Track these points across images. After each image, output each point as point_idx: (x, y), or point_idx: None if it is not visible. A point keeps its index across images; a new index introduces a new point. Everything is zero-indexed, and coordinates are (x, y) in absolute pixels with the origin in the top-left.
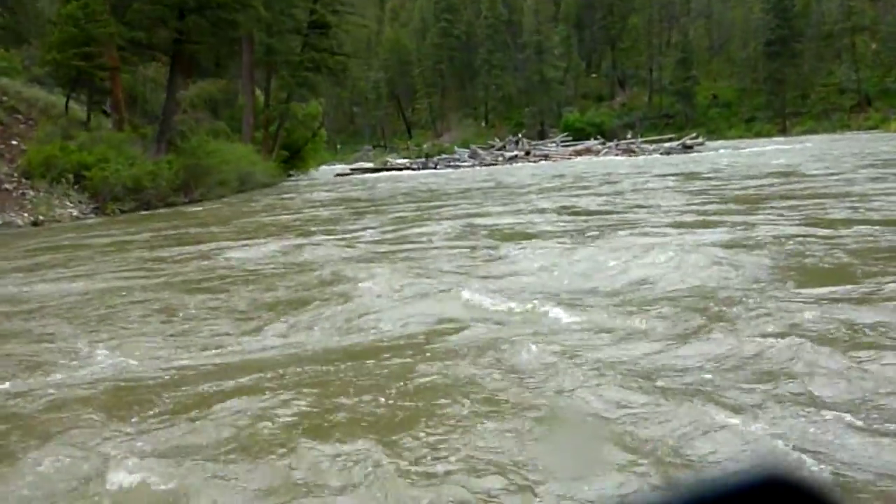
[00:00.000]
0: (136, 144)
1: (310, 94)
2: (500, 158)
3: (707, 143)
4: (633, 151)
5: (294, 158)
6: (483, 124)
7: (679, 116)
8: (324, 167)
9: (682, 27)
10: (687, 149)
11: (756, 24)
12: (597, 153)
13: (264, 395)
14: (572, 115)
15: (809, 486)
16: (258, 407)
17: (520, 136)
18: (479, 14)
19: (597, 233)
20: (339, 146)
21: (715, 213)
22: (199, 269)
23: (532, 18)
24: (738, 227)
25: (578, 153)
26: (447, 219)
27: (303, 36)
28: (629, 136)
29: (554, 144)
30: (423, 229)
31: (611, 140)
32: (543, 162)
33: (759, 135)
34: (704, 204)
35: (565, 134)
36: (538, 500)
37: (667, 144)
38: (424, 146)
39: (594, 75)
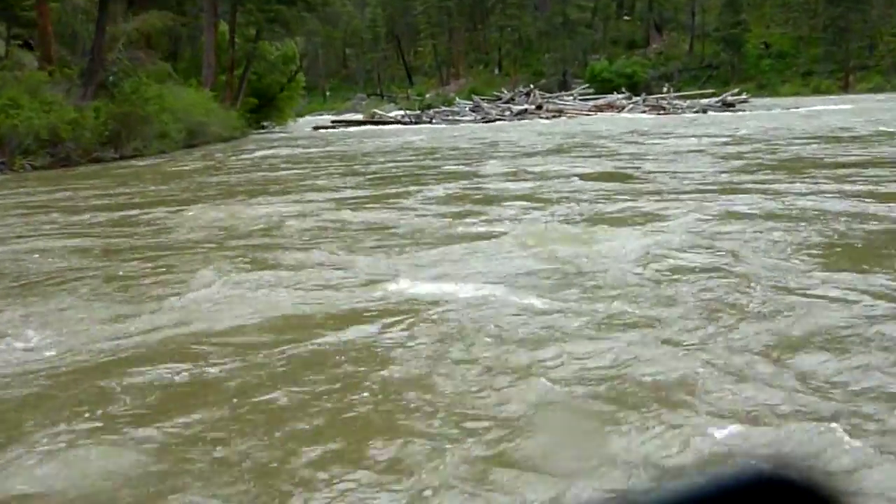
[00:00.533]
0: (59, 87)
1: (284, 31)
2: (507, 113)
3: (753, 100)
4: (664, 108)
5: (266, 108)
6: (496, 72)
7: (724, 68)
8: (308, 118)
9: None
10: (727, 107)
11: None
12: (620, 109)
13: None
14: (599, 64)
15: (815, 486)
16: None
17: (531, 87)
18: None
19: (581, 209)
20: (327, 93)
21: (741, 183)
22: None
23: None
24: (767, 198)
25: (599, 109)
26: (429, 184)
27: None
28: (665, 89)
29: (571, 98)
30: (378, 213)
31: (644, 94)
32: (557, 118)
33: (817, 91)
34: (732, 173)
35: (585, 86)
36: None
37: (704, 101)
38: (427, 96)
39: (626, 18)
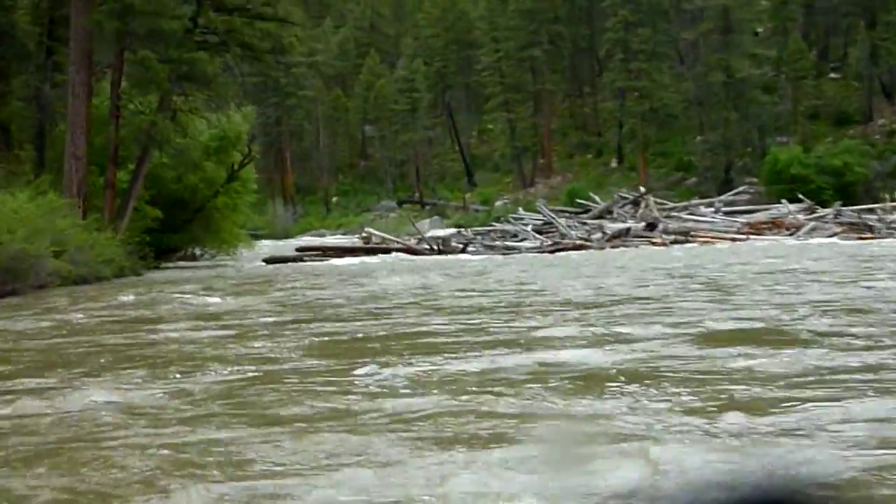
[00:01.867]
0: None
1: (211, 95)
2: (599, 235)
3: None
4: (871, 229)
5: (190, 225)
6: (614, 163)
7: None
8: (296, 241)
9: None
10: None
11: None
12: (792, 230)
13: None
14: (786, 152)
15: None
16: None
17: (642, 191)
18: None
19: None
20: (333, 199)
21: None
22: None
23: None
24: None
25: (755, 229)
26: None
27: None
28: None
29: (712, 210)
30: None
31: (838, 205)
32: (677, 246)
33: None
34: None
35: (754, 186)
36: None
37: None
38: (497, 203)
39: (834, 76)
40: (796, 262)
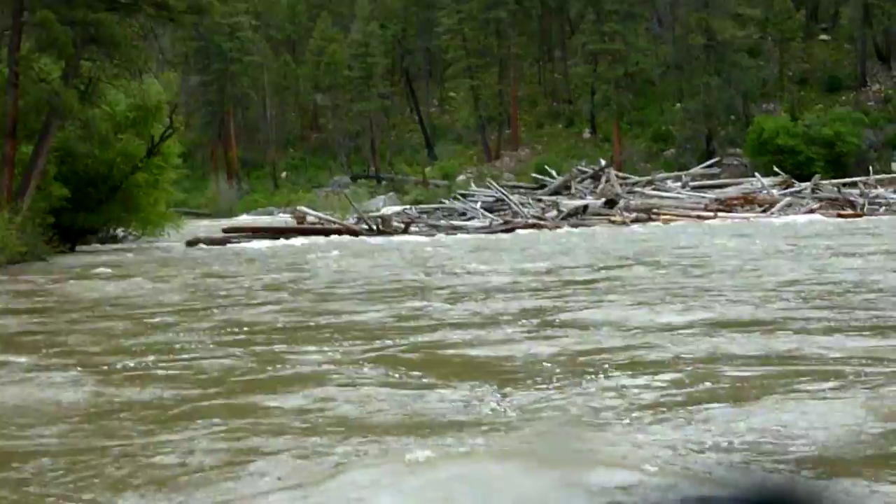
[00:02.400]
0: None
1: (121, 61)
2: (553, 213)
3: None
4: (853, 205)
5: (107, 204)
6: (587, 133)
7: None
8: (246, 217)
9: None
10: None
11: None
12: (766, 207)
13: None
14: (772, 120)
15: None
16: None
17: (603, 164)
18: None
19: None
20: (282, 175)
21: None
22: None
23: None
24: None
25: (725, 206)
26: None
27: None
28: None
29: (679, 184)
30: None
31: (816, 178)
32: (638, 225)
33: None
34: None
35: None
36: None
37: None
38: (460, 178)
39: (823, 37)
40: (763, 245)
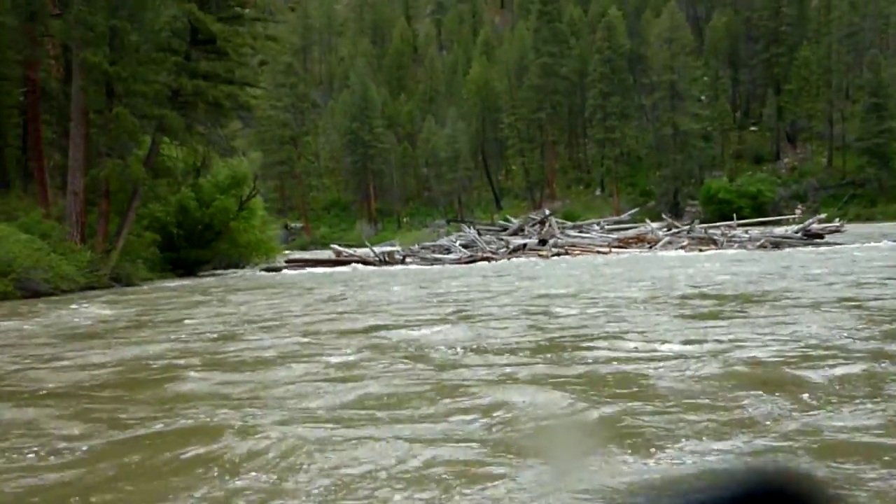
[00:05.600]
0: None
1: (184, 144)
2: (504, 249)
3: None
4: (714, 242)
5: (215, 242)
6: (598, 192)
7: (870, 185)
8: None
9: (875, 62)
10: (811, 238)
11: None
12: (651, 244)
13: None
14: (717, 182)
15: (809, 492)
16: None
17: (546, 213)
18: (594, 46)
19: None
20: (404, 220)
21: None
22: None
23: (663, 51)
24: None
25: (624, 244)
26: None
27: (177, 55)
28: (799, 210)
29: (597, 227)
30: None
31: (696, 222)
32: (562, 256)
33: None
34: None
35: (608, 219)
36: None
37: (778, 231)
38: (515, 221)
39: (753, 129)
40: (638, 271)
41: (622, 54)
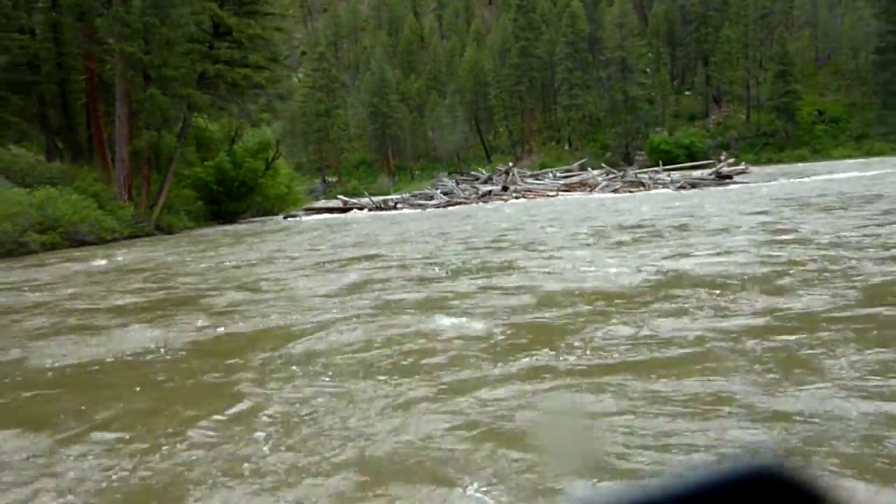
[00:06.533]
0: None
1: (208, 114)
2: (474, 196)
3: (769, 168)
4: (643, 185)
5: (249, 195)
6: (566, 147)
7: (779, 135)
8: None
9: (782, 38)
10: (722, 179)
11: (866, 31)
12: (591, 188)
13: None
14: (658, 136)
15: (803, 482)
16: None
17: (510, 165)
18: (561, 31)
19: None
20: (416, 173)
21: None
22: None
23: (615, 33)
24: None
25: (570, 188)
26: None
27: (201, 45)
28: (723, 157)
29: (551, 175)
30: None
31: (627, 170)
32: (520, 200)
33: (870, 153)
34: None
35: (561, 169)
36: None
37: (696, 174)
38: (484, 172)
39: (687, 93)
40: (577, 209)
41: (583, 37)
